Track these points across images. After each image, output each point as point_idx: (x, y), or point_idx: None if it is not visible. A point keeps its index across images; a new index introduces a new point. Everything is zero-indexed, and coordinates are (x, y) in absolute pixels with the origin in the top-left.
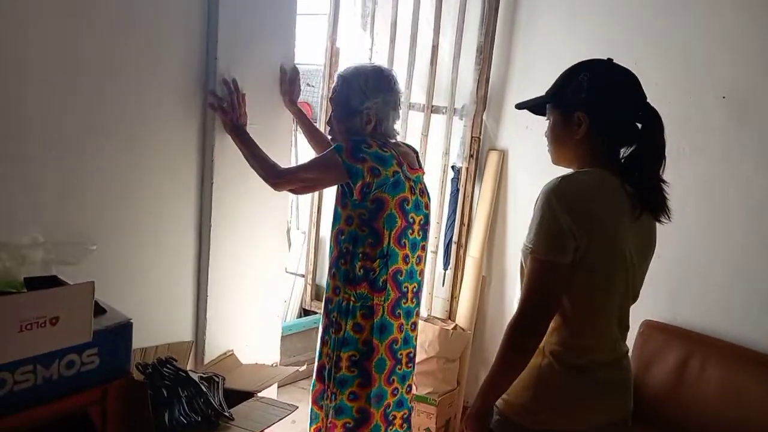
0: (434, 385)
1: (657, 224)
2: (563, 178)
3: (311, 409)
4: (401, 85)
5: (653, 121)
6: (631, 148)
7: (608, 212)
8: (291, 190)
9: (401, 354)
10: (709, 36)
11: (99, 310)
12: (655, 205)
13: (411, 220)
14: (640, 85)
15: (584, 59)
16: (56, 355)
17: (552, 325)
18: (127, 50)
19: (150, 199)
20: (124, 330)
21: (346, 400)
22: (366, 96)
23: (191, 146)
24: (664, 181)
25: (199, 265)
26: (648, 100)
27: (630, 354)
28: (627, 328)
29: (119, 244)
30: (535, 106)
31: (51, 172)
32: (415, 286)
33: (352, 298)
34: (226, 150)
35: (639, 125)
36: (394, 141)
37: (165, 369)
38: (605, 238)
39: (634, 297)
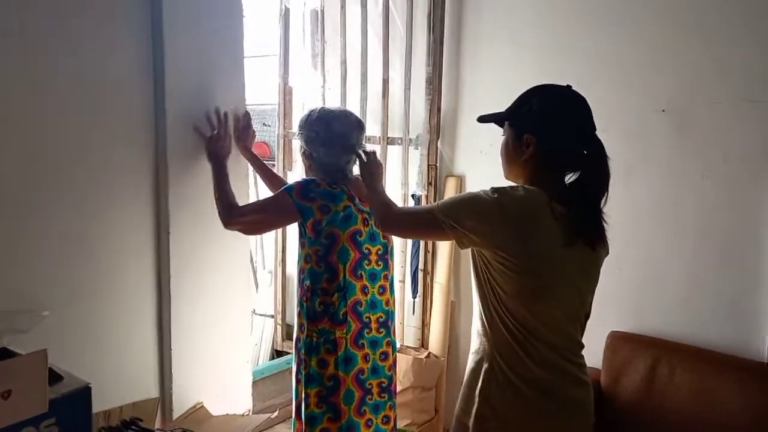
0: (412, 416)
1: (607, 249)
2: (498, 188)
3: None
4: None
5: (598, 151)
6: (575, 175)
7: (536, 229)
8: (241, 230)
9: (370, 384)
10: (645, 53)
11: (55, 377)
12: (591, 234)
13: (366, 251)
14: (590, 114)
15: (543, 83)
16: (11, 429)
17: (496, 330)
18: (73, 105)
19: (104, 256)
20: (82, 396)
21: None
22: (300, 134)
23: (145, 198)
24: (602, 212)
25: (161, 318)
26: (596, 131)
27: (600, 365)
28: (579, 344)
29: (74, 306)
30: (495, 120)
31: None
32: (380, 316)
33: (315, 335)
34: (181, 198)
35: (585, 153)
36: (349, 178)
37: (130, 430)
38: (531, 253)
39: (586, 316)
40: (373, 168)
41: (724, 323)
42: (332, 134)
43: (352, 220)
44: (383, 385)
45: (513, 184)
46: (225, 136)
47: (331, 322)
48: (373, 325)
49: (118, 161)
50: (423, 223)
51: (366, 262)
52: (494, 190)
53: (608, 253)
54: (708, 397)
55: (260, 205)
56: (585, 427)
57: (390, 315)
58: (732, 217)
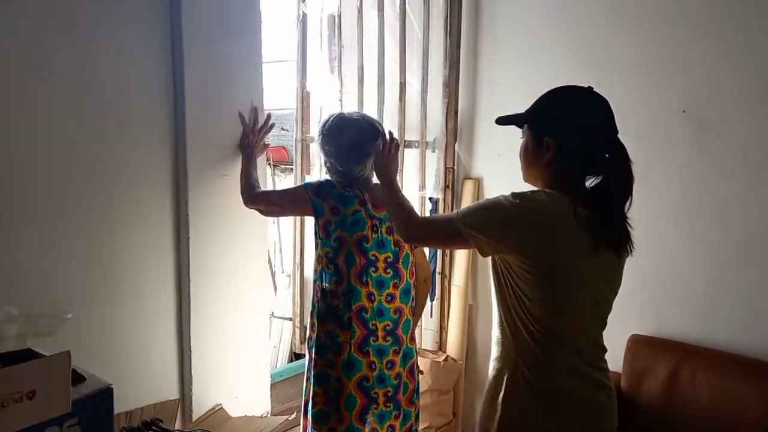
0: (430, 419)
1: (629, 253)
2: (519, 194)
3: None
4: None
5: (619, 155)
6: (598, 179)
7: (559, 235)
8: (260, 211)
9: (376, 393)
10: (663, 54)
11: (78, 378)
12: (615, 240)
13: (373, 258)
14: (612, 117)
15: (564, 85)
16: (35, 429)
17: (519, 336)
18: (92, 112)
19: (125, 260)
20: (104, 396)
21: None
22: (322, 142)
23: (165, 202)
24: (626, 216)
25: (181, 320)
26: (618, 134)
27: (620, 369)
28: (602, 348)
29: (96, 310)
30: (514, 122)
31: (21, 243)
32: (387, 324)
33: (323, 335)
34: (200, 202)
35: (607, 156)
36: (366, 182)
37: (151, 431)
38: (554, 259)
39: (602, 322)
40: (384, 161)
41: (744, 326)
42: (344, 144)
43: (360, 226)
44: (389, 394)
45: (533, 188)
46: (258, 132)
47: (336, 325)
48: (380, 333)
49: (138, 167)
50: (445, 233)
51: (373, 269)
52: (515, 195)
53: (632, 255)
54: (730, 401)
55: (279, 193)
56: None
57: (397, 323)
58: (751, 218)
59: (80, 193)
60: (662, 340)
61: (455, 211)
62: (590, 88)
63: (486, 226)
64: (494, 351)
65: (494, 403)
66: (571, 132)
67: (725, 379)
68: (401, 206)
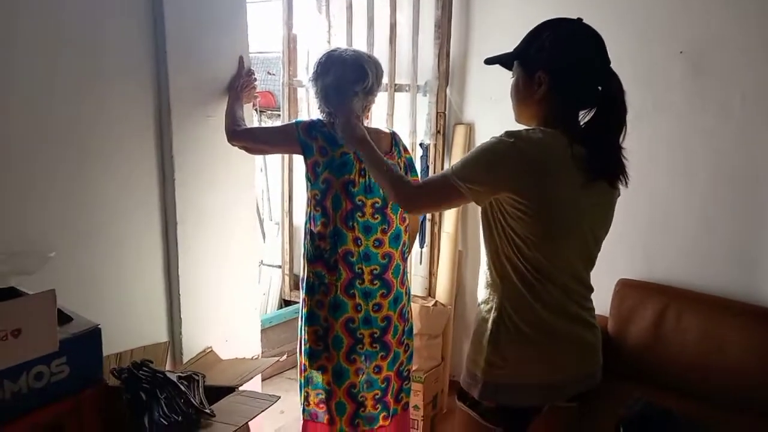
0: (419, 362)
1: (619, 190)
2: (512, 132)
3: (298, 380)
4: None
5: (613, 86)
6: (592, 112)
7: (553, 170)
8: (245, 149)
9: (361, 333)
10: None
11: (64, 318)
12: (611, 172)
13: (359, 203)
14: (604, 48)
15: (553, 18)
16: (23, 367)
17: (506, 277)
18: (68, 53)
19: (110, 201)
20: (92, 336)
21: (316, 372)
22: (311, 80)
23: (149, 143)
24: (621, 148)
25: (169, 263)
26: (611, 65)
27: (607, 313)
28: (588, 287)
29: (81, 250)
30: (503, 61)
31: (2, 181)
32: (375, 269)
33: (312, 275)
34: (187, 144)
35: (600, 88)
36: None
37: (141, 372)
38: (548, 194)
39: (591, 261)
40: (345, 128)
41: (731, 269)
42: (327, 84)
43: (347, 169)
44: (375, 335)
45: (526, 127)
46: (244, 75)
47: (324, 267)
48: (366, 277)
49: (121, 105)
50: (444, 195)
51: (359, 213)
52: (509, 134)
53: (627, 187)
54: (714, 341)
55: (267, 130)
56: (593, 369)
57: (386, 268)
58: (745, 162)
59: (62, 131)
60: (650, 284)
61: (449, 168)
62: (580, 20)
63: (482, 173)
64: (480, 294)
65: (481, 343)
66: (563, 64)
67: (710, 321)
68: (387, 175)
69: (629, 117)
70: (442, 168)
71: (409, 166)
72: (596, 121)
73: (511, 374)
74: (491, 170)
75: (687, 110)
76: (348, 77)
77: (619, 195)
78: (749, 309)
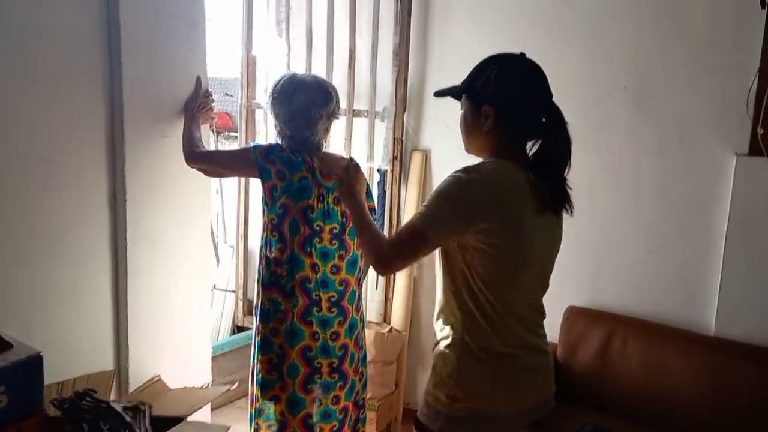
0: (373, 389)
1: (567, 217)
2: (468, 167)
3: (249, 412)
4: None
5: (556, 118)
6: (538, 143)
7: (513, 201)
8: (203, 171)
9: (319, 363)
10: (611, 31)
11: (4, 345)
12: (558, 201)
13: (317, 228)
14: (546, 81)
15: (497, 53)
16: None
17: (468, 312)
18: (25, 65)
19: (56, 220)
20: (33, 364)
21: (269, 403)
22: (271, 104)
23: (100, 162)
24: (565, 179)
25: (117, 287)
26: (553, 98)
27: (557, 339)
28: (543, 315)
29: (26, 271)
30: (453, 94)
31: None
32: (332, 296)
33: (267, 302)
34: (140, 164)
35: (544, 120)
36: (318, 149)
37: (84, 402)
38: (511, 224)
39: (546, 285)
40: (350, 184)
41: (674, 298)
42: (293, 108)
43: (306, 194)
44: (333, 365)
45: (477, 159)
46: (201, 96)
47: (280, 293)
48: (324, 304)
49: (72, 125)
50: (419, 246)
51: (317, 239)
52: (466, 170)
53: (572, 216)
54: (657, 368)
55: (225, 153)
56: (549, 395)
57: (342, 295)
58: (684, 194)
59: (2, 147)
60: (597, 311)
61: (415, 218)
62: (523, 55)
63: (450, 212)
64: (438, 327)
65: (441, 377)
66: (507, 97)
67: (654, 348)
68: (372, 234)
69: (576, 148)
70: (399, 192)
71: (366, 192)
72: (542, 152)
73: (474, 408)
74: (458, 207)
75: (630, 145)
76: (315, 100)
77: (565, 215)
78: (689, 336)
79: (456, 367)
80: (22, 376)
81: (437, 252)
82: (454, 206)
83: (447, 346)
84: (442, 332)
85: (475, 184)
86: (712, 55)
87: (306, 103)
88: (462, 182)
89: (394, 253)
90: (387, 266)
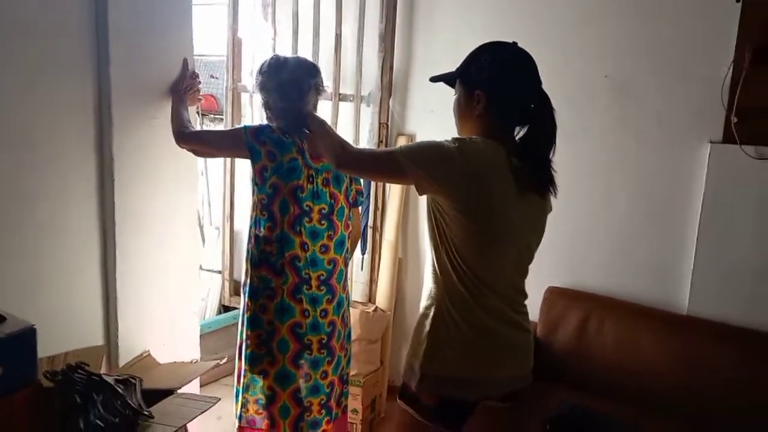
0: (358, 366)
1: (550, 203)
2: (455, 137)
3: (235, 388)
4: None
5: (544, 105)
6: (525, 128)
7: (490, 177)
8: (193, 151)
9: (309, 339)
10: (593, 20)
11: None
12: (542, 183)
13: (307, 208)
14: (536, 70)
15: (491, 41)
16: None
17: (449, 281)
18: (9, 46)
19: (47, 201)
20: (26, 336)
21: (257, 377)
22: (261, 80)
23: (88, 144)
24: (550, 161)
25: (106, 266)
26: (542, 85)
27: (537, 318)
28: (524, 294)
29: (17, 251)
30: (447, 80)
31: None
32: (321, 274)
33: (256, 280)
34: (128, 146)
35: (532, 106)
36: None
37: (76, 375)
38: (484, 198)
39: (525, 270)
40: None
41: (650, 279)
42: (284, 79)
43: (295, 174)
44: (323, 341)
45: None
46: (188, 77)
47: (269, 271)
48: (314, 282)
49: (59, 107)
50: (384, 165)
51: (306, 219)
52: (454, 140)
53: (556, 197)
54: (631, 346)
55: (215, 133)
56: (526, 370)
57: (331, 273)
58: (660, 180)
59: None
60: (576, 292)
61: (397, 147)
62: (515, 43)
63: (427, 162)
64: (425, 290)
65: (420, 337)
66: (499, 83)
67: (629, 327)
68: (337, 139)
69: (558, 135)
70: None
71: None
72: (529, 136)
73: (448, 367)
74: (435, 163)
75: (610, 131)
76: (303, 70)
77: (551, 209)
78: (662, 315)
79: (434, 327)
80: (17, 348)
81: (426, 213)
82: (433, 159)
83: (427, 307)
84: (427, 298)
85: (456, 153)
86: (688, 46)
87: (295, 74)
88: (445, 145)
89: (364, 156)
90: (343, 163)
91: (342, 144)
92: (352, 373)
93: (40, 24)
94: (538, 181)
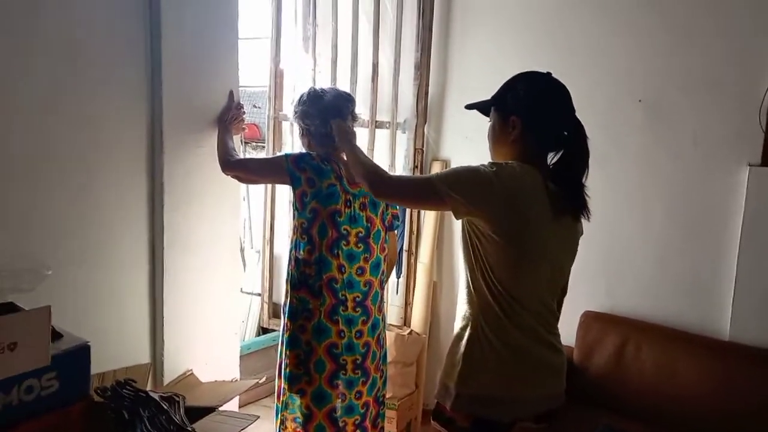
0: (393, 389)
1: (584, 225)
2: (492, 162)
3: (275, 405)
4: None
5: (578, 132)
6: (559, 154)
7: (526, 200)
8: (238, 178)
9: (344, 360)
10: (622, 44)
11: (55, 335)
12: (576, 207)
13: (344, 232)
14: (570, 98)
15: (526, 70)
16: (15, 380)
17: (484, 301)
18: (70, 78)
19: (102, 224)
20: (82, 353)
21: (295, 396)
22: (296, 114)
23: (141, 170)
24: (584, 186)
25: (154, 287)
26: (576, 113)
27: (573, 343)
28: (556, 316)
29: (73, 270)
30: (481, 108)
31: (2, 200)
32: (357, 296)
33: (295, 301)
34: (177, 172)
35: (566, 133)
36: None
37: (124, 390)
38: (521, 222)
39: (563, 291)
40: (343, 133)
41: (688, 303)
42: (325, 106)
43: (334, 199)
44: (357, 362)
45: None
46: (234, 108)
47: (308, 292)
48: (350, 304)
49: (116, 135)
50: (421, 191)
51: (344, 242)
52: (492, 164)
53: (589, 221)
54: (670, 372)
55: (258, 161)
56: (559, 390)
57: (366, 295)
58: (696, 202)
59: (58, 158)
60: (612, 316)
61: (434, 173)
62: (549, 73)
63: (465, 187)
64: (459, 311)
65: (455, 358)
66: (534, 110)
67: (667, 353)
68: (370, 164)
69: (592, 159)
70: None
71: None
72: (563, 162)
73: (482, 386)
74: (473, 188)
75: (645, 155)
76: (342, 98)
77: (582, 233)
78: (701, 340)
79: (468, 347)
80: (72, 363)
81: (461, 234)
82: (471, 184)
83: (462, 328)
84: (461, 318)
85: (494, 177)
86: (725, 67)
87: (335, 100)
88: (482, 170)
89: (402, 182)
90: (380, 189)
91: (375, 170)
92: (387, 395)
93: (101, 61)
94: (573, 206)
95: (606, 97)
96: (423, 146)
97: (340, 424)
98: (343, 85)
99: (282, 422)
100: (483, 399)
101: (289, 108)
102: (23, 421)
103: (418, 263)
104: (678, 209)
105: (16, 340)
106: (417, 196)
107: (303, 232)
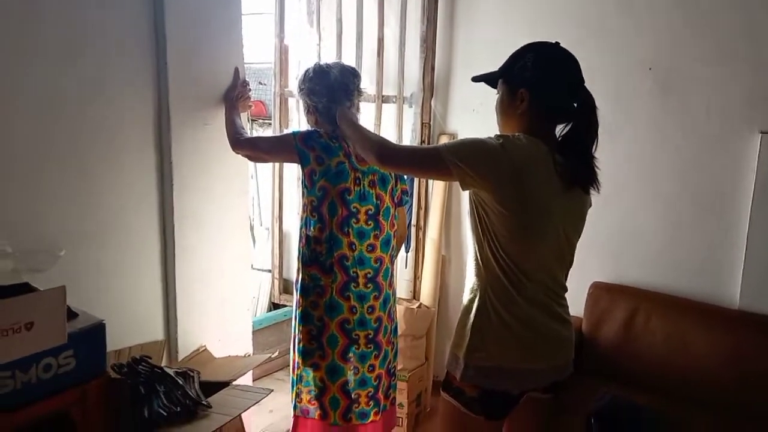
0: (403, 362)
1: (593, 195)
2: (499, 134)
3: (291, 377)
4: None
5: (587, 102)
6: (568, 127)
7: (533, 172)
8: (247, 156)
9: (356, 334)
10: (631, 14)
11: (71, 314)
12: (585, 180)
13: (354, 210)
14: (579, 69)
15: (534, 41)
16: (33, 359)
17: (492, 273)
18: (74, 59)
19: (113, 204)
20: (97, 330)
21: (309, 369)
22: (302, 91)
23: (149, 149)
24: (594, 157)
25: (166, 265)
26: (585, 84)
27: (581, 314)
28: (564, 288)
29: (85, 250)
30: (489, 79)
31: (15, 182)
32: (368, 272)
33: (307, 278)
34: (184, 150)
35: (575, 105)
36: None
37: (140, 367)
38: (527, 193)
39: (570, 263)
40: (347, 120)
41: (698, 273)
42: (332, 82)
43: (343, 177)
44: (369, 336)
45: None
46: (240, 86)
47: (319, 270)
48: (361, 280)
49: (123, 115)
50: (428, 160)
51: (354, 220)
52: (499, 136)
53: (599, 193)
54: (680, 342)
55: (267, 139)
56: (566, 361)
57: (378, 271)
58: (707, 171)
59: (66, 140)
60: (621, 287)
61: (441, 143)
62: (557, 43)
63: (472, 157)
64: (467, 283)
65: (464, 329)
66: (542, 82)
67: (677, 322)
68: (370, 134)
69: (601, 130)
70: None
71: (399, 176)
72: (572, 134)
73: (490, 358)
74: (480, 158)
75: (655, 124)
76: (348, 73)
77: (590, 205)
78: (711, 310)
79: (477, 319)
80: (88, 341)
81: (469, 207)
82: (477, 155)
83: (470, 300)
84: (470, 290)
85: (500, 149)
86: (738, 37)
87: (341, 75)
88: (489, 141)
89: (408, 152)
90: (385, 159)
91: (381, 141)
92: (398, 367)
93: (104, 38)
94: (582, 177)
95: (616, 67)
96: (430, 120)
97: (353, 396)
98: (349, 60)
99: (297, 395)
100: (491, 370)
101: (294, 84)
102: (42, 398)
103: (426, 238)
104: (688, 178)
105: (33, 320)
106: (424, 164)
107: (313, 210)
